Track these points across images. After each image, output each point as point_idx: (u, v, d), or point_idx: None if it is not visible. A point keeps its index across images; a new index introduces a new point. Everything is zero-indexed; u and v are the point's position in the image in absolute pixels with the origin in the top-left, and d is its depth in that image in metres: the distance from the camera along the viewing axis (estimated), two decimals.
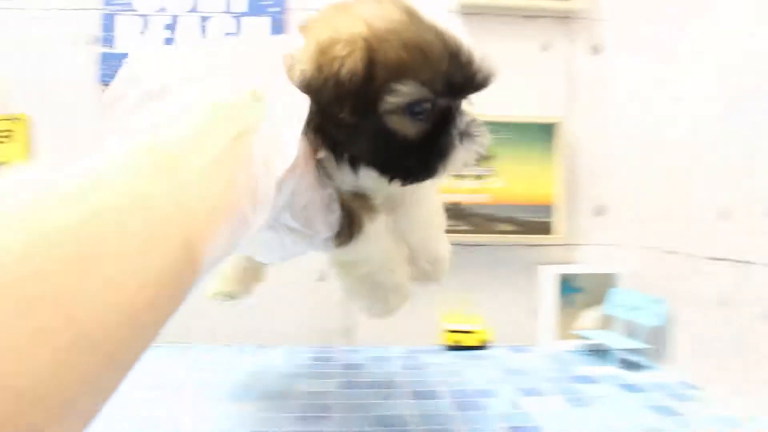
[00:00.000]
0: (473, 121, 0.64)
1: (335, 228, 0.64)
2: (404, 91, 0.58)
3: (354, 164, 0.61)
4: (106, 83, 1.27)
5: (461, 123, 0.63)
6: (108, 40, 1.29)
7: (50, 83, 1.30)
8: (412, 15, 0.59)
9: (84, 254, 0.32)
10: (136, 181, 0.38)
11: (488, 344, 1.29)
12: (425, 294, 1.28)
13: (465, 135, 0.63)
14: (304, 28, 0.60)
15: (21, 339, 0.28)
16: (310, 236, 0.63)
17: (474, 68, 0.60)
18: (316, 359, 1.21)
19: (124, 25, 1.29)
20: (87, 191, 0.35)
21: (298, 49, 0.58)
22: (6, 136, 1.30)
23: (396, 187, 0.64)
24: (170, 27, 1.29)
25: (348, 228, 0.65)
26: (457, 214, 1.29)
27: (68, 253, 0.31)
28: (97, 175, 0.36)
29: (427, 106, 0.60)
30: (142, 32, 1.29)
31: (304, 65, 0.57)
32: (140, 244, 0.35)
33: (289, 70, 0.57)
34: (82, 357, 0.31)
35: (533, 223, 1.31)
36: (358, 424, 0.87)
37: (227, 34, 1.28)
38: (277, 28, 1.29)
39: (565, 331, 1.30)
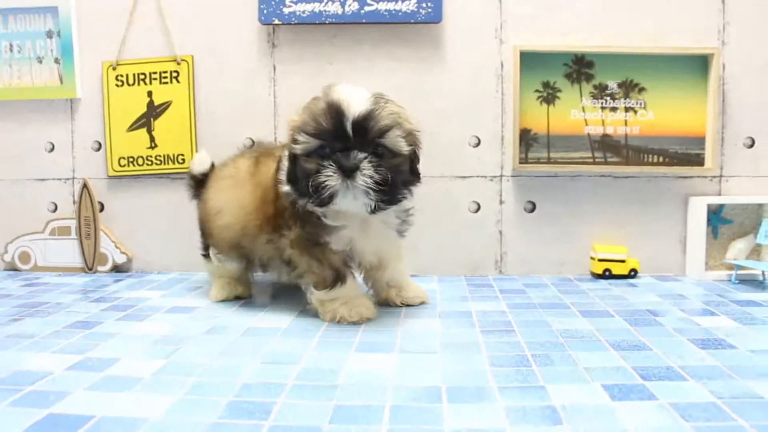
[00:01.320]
0: (364, 158, 0.89)
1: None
2: (300, 140, 0.92)
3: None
4: (265, 23, 1.33)
5: (345, 161, 0.89)
6: None
7: (212, 26, 1.37)
8: (323, 96, 0.93)
9: None
10: None
11: (636, 273, 1.32)
12: (571, 224, 1.32)
13: (347, 169, 0.88)
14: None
15: None
16: None
17: (348, 121, 0.88)
18: (478, 285, 1.27)
19: None
20: None
21: None
22: (174, 78, 1.38)
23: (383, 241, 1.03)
24: None
25: (333, 281, 1.00)
26: (607, 145, 1.32)
27: None
28: None
29: (326, 150, 0.90)
30: None
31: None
32: None
33: None
34: None
35: (684, 155, 1.32)
36: (544, 335, 0.92)
37: None
38: None
39: (713, 261, 1.32)
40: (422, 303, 1.11)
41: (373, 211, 0.92)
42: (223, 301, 1.15)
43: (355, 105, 0.89)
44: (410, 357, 0.83)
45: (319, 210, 0.95)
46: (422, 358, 0.83)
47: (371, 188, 0.89)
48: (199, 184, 1.23)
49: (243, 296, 1.16)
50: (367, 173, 0.88)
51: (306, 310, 1.07)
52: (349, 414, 0.65)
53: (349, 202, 0.91)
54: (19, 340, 0.91)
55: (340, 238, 0.98)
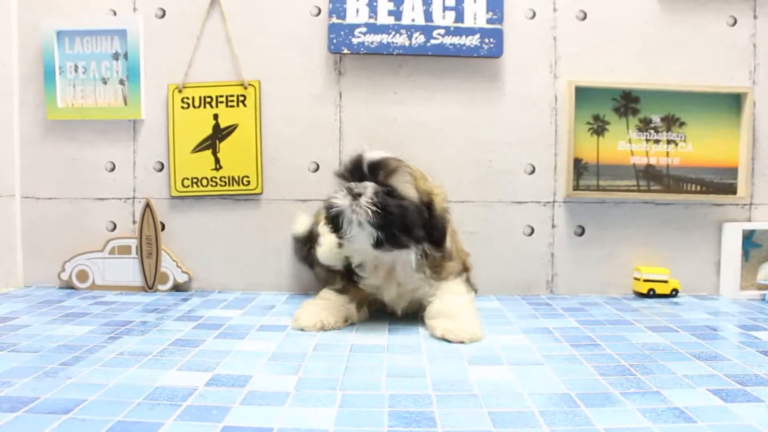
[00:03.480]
0: (371, 185, 1.06)
1: None
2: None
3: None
4: (334, 52, 1.40)
5: (355, 187, 1.05)
6: (336, 12, 1.40)
7: (280, 53, 1.43)
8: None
9: None
10: None
11: (677, 293, 1.42)
12: (616, 247, 1.42)
13: (354, 193, 1.04)
14: None
15: None
16: None
17: (364, 162, 1.08)
18: (537, 304, 1.36)
19: None
20: None
21: None
22: (240, 101, 1.43)
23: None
24: None
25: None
26: (650, 174, 1.43)
27: None
28: None
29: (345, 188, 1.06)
30: (367, 4, 1.40)
31: None
32: None
33: None
34: None
35: (718, 184, 1.44)
36: (629, 348, 1.00)
37: (447, 7, 1.40)
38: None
39: (745, 282, 1.44)
40: (466, 341, 1.04)
41: (377, 246, 1.04)
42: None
43: (374, 154, 1.08)
44: (523, 368, 0.90)
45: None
46: (534, 369, 0.90)
47: (372, 212, 1.01)
48: (303, 243, 1.38)
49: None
50: (369, 196, 1.02)
51: (395, 327, 1.15)
52: (507, 419, 0.71)
53: (355, 228, 1.03)
54: (136, 357, 0.94)
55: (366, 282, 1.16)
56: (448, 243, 1.14)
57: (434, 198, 1.10)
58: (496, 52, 1.39)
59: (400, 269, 1.12)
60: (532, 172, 1.43)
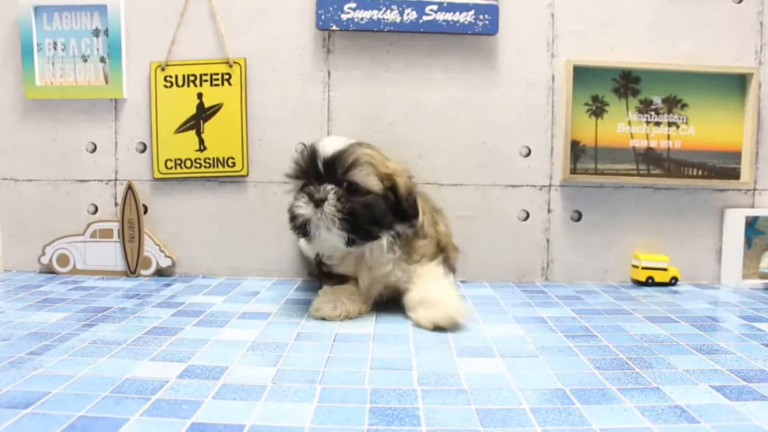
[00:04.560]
0: (332, 189, 1.01)
1: None
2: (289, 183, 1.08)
3: None
4: (322, 29, 1.34)
5: (315, 192, 1.01)
6: None
7: (266, 30, 1.38)
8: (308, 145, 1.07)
9: None
10: None
11: (677, 281, 1.38)
12: (614, 233, 1.37)
13: (316, 199, 1.00)
14: None
15: None
16: None
17: (320, 160, 1.02)
18: (533, 292, 1.31)
19: None
20: None
21: None
22: (225, 80, 1.37)
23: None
24: None
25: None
26: (650, 158, 1.37)
27: None
28: None
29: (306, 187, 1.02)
30: None
31: None
32: None
33: None
34: None
35: (721, 168, 1.39)
36: (627, 340, 0.96)
37: None
38: None
39: (747, 270, 1.39)
40: (452, 325, 1.01)
41: (349, 244, 1.01)
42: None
43: (328, 148, 1.01)
44: (516, 361, 0.86)
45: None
46: (527, 362, 0.86)
47: (338, 218, 0.99)
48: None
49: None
50: (332, 203, 0.99)
51: (385, 316, 1.10)
52: (496, 417, 0.67)
53: (324, 232, 1.01)
54: (109, 347, 0.90)
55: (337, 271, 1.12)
56: (420, 218, 1.09)
57: (397, 180, 1.05)
58: (492, 29, 1.33)
59: (368, 254, 1.08)
60: (528, 154, 1.38)
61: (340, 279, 1.12)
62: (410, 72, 1.37)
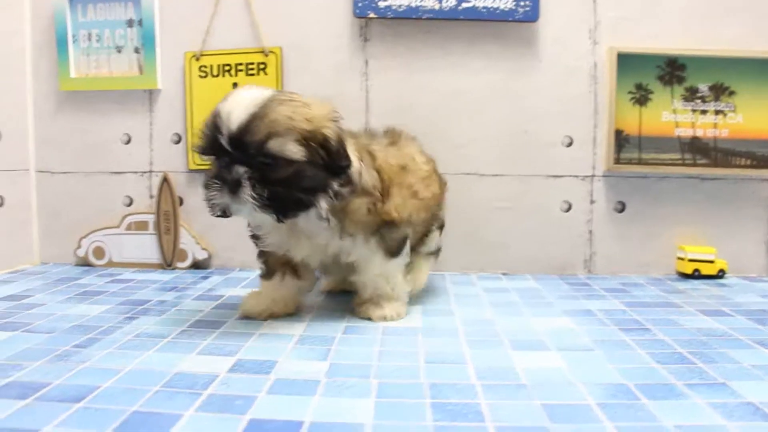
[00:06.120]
0: (244, 172, 0.84)
1: None
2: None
3: None
4: (360, 17, 1.31)
5: (227, 174, 0.84)
6: None
7: (301, 18, 1.36)
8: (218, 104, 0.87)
9: None
10: None
11: (724, 274, 1.34)
12: (658, 225, 1.33)
13: (230, 184, 0.84)
14: None
15: None
16: None
17: (223, 136, 0.83)
18: (577, 284, 1.28)
19: None
20: None
21: None
22: (261, 69, 1.35)
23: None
24: None
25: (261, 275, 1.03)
26: (696, 147, 1.34)
27: None
28: None
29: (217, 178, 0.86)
30: None
31: None
32: None
33: None
34: None
35: None
36: (683, 334, 0.93)
37: None
38: None
39: None
40: (397, 316, 1.00)
41: (280, 220, 0.87)
42: None
43: (234, 116, 0.82)
44: (572, 355, 0.83)
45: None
46: (584, 355, 0.83)
47: (260, 202, 0.83)
48: None
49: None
50: (247, 188, 0.83)
51: (429, 309, 1.08)
52: (563, 413, 0.64)
53: (247, 215, 0.89)
54: (153, 340, 0.88)
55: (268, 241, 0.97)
56: (355, 165, 0.91)
57: (324, 133, 0.86)
58: (532, 16, 1.30)
59: (303, 222, 0.91)
60: (570, 144, 1.35)
61: (276, 257, 0.99)
62: (448, 60, 1.34)
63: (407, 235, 1.01)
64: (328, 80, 1.35)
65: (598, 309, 1.07)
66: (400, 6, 1.29)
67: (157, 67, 1.37)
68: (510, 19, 1.30)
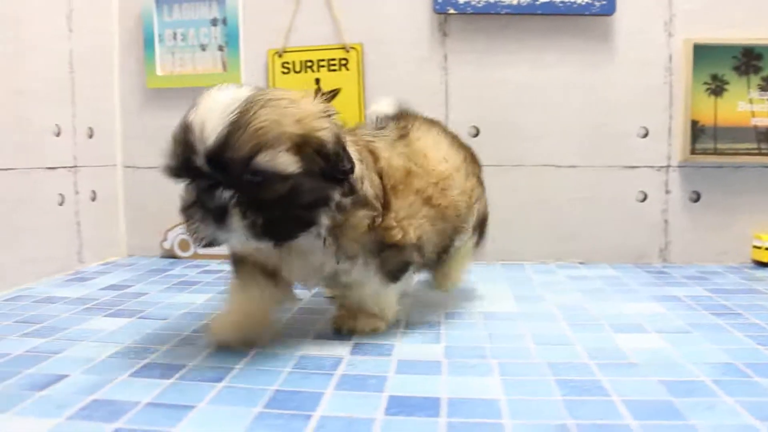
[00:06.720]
0: (231, 197, 0.68)
1: None
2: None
3: None
4: (439, 12, 1.35)
5: (210, 201, 0.69)
6: None
7: (381, 14, 1.39)
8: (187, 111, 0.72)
9: None
10: None
11: None
12: (733, 214, 1.35)
13: (214, 214, 0.69)
14: None
15: None
16: None
17: (199, 156, 0.68)
18: (655, 273, 1.30)
19: None
20: None
21: None
22: (342, 65, 1.39)
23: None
24: None
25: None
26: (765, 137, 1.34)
27: None
28: None
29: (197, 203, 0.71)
30: None
31: None
32: None
33: None
34: None
35: None
36: None
37: None
38: None
39: None
40: (371, 331, 0.87)
41: (278, 245, 0.74)
42: None
43: (209, 128, 0.67)
44: (673, 337, 0.86)
45: None
46: (684, 337, 0.86)
47: (254, 230, 0.69)
48: None
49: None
50: (236, 216, 0.68)
51: (521, 296, 1.12)
52: (681, 388, 0.67)
53: (239, 244, 0.75)
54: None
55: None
56: (358, 170, 0.77)
57: (322, 136, 0.72)
58: (609, 9, 1.32)
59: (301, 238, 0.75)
60: (645, 135, 1.37)
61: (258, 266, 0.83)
62: (524, 54, 1.37)
63: (411, 261, 0.85)
64: (409, 75, 1.38)
65: (684, 295, 1.10)
66: (479, 2, 1.33)
67: (241, 64, 1.42)
68: (587, 13, 1.32)
